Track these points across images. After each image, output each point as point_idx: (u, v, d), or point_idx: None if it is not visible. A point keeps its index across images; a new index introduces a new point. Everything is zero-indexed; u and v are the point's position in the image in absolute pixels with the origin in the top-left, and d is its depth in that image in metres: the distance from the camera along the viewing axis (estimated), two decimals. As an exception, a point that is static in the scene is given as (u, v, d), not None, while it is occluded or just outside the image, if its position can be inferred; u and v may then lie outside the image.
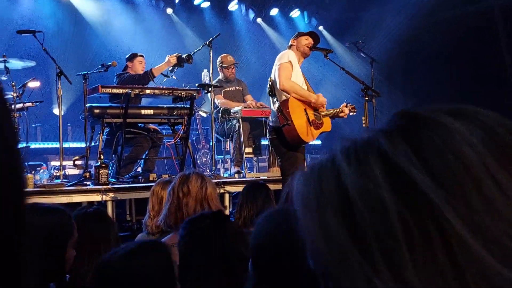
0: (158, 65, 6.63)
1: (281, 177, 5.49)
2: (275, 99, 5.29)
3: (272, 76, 5.35)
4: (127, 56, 6.96)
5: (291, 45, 5.54)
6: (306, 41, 5.49)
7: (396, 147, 0.52)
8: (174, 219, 2.82)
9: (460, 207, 0.49)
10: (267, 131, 5.52)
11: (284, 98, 5.23)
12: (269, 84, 5.33)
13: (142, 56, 6.96)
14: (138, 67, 6.84)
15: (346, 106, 5.78)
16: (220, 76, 7.45)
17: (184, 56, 6.50)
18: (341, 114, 5.72)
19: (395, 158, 0.51)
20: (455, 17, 10.87)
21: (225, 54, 7.52)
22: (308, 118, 5.26)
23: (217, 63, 7.41)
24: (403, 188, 0.50)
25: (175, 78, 6.71)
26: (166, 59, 6.56)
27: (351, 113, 5.85)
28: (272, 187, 4.76)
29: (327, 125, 5.51)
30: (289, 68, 5.24)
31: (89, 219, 2.55)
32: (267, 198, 3.84)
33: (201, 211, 2.63)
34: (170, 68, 6.61)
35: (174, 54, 6.55)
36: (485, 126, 0.53)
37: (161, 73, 6.65)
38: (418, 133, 0.53)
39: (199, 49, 6.84)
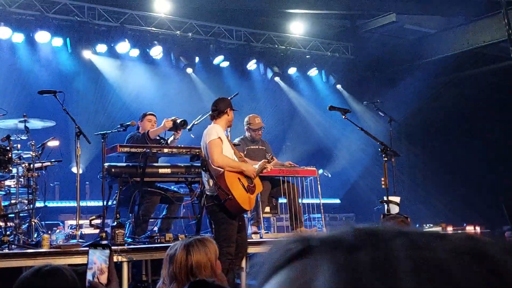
0: (155, 128, 6.73)
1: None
2: (207, 175, 5.35)
3: (203, 152, 5.44)
4: (139, 116, 7.03)
5: (222, 111, 5.52)
6: (232, 114, 5.60)
7: None
8: None
9: None
10: (203, 198, 5.53)
11: (218, 172, 5.30)
12: (202, 160, 5.40)
13: (152, 114, 7.03)
14: (147, 125, 6.89)
15: (268, 162, 5.91)
16: (247, 134, 7.33)
17: (179, 121, 6.63)
18: (264, 171, 5.90)
19: None
20: (476, 75, 10.86)
21: (253, 115, 7.35)
22: (244, 186, 5.40)
23: (245, 123, 7.27)
24: None
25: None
26: (162, 123, 6.66)
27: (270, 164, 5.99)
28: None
29: (258, 186, 5.69)
30: (219, 144, 5.35)
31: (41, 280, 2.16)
32: None
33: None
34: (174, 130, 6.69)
35: (170, 118, 6.66)
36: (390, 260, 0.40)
37: (159, 136, 6.71)
38: None
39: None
